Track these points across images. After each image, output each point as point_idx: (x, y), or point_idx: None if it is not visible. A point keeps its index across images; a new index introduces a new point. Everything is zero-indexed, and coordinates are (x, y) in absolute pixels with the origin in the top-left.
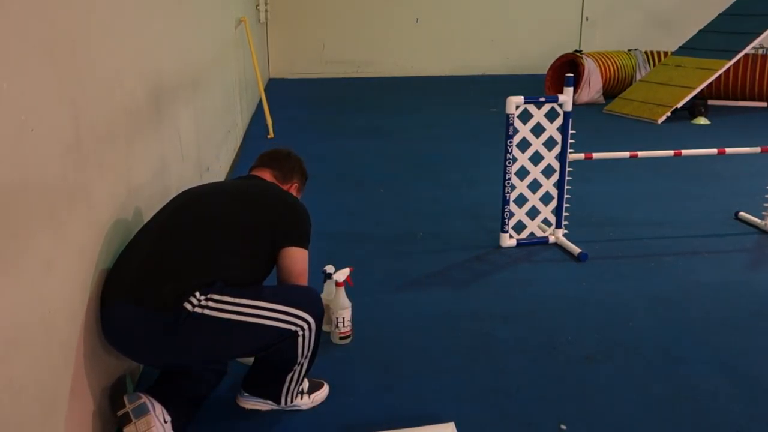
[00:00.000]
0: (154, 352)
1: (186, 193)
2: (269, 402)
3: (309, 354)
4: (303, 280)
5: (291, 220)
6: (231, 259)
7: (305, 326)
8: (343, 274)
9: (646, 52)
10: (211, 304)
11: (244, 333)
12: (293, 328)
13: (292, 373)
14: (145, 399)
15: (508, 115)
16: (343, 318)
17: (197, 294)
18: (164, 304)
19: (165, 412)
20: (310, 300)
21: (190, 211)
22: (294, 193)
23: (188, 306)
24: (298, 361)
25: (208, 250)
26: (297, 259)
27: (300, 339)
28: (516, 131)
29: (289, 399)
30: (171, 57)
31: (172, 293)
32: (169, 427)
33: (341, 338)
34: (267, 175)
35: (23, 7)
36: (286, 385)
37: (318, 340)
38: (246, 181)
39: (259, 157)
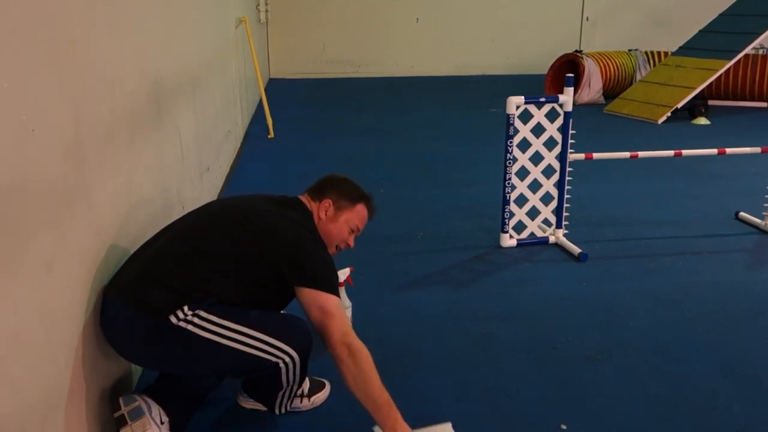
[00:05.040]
0: (141, 354)
1: (215, 204)
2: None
3: (295, 381)
4: (324, 324)
5: (292, 258)
6: (227, 282)
7: (287, 359)
8: (343, 274)
9: (646, 52)
10: (195, 320)
11: (223, 356)
12: (274, 359)
13: (282, 391)
14: (140, 401)
15: (508, 115)
16: None
17: (185, 308)
18: (150, 308)
19: (162, 412)
20: (296, 333)
21: (204, 226)
22: (324, 211)
23: (173, 318)
24: (285, 387)
25: (207, 267)
26: (308, 302)
27: (283, 370)
28: (516, 131)
29: (283, 409)
30: (171, 57)
31: (161, 300)
32: (165, 428)
33: None
34: (303, 196)
35: (23, 7)
36: (279, 399)
37: (304, 370)
38: (269, 210)
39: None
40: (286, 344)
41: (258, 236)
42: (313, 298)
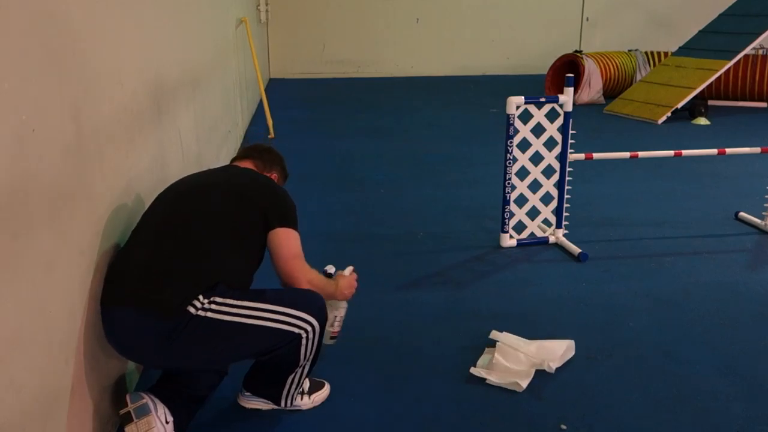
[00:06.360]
0: (157, 355)
1: (177, 187)
2: (270, 402)
3: (311, 356)
4: (297, 263)
5: (273, 201)
6: (230, 258)
7: (309, 329)
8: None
9: (646, 53)
10: (214, 306)
11: (248, 335)
12: (297, 330)
13: (293, 375)
14: (147, 399)
15: (508, 115)
16: (335, 317)
17: (200, 297)
18: (168, 309)
19: (167, 412)
20: (314, 303)
21: (184, 209)
22: None
23: (191, 309)
24: (300, 364)
25: (207, 251)
26: (284, 239)
27: (304, 341)
28: (516, 131)
29: (289, 401)
30: (171, 57)
31: (175, 298)
32: (170, 427)
33: (331, 338)
34: (248, 165)
35: (23, 7)
36: (287, 386)
37: (320, 343)
38: (230, 171)
39: (241, 149)
40: (307, 313)
41: (237, 193)
42: (285, 235)
